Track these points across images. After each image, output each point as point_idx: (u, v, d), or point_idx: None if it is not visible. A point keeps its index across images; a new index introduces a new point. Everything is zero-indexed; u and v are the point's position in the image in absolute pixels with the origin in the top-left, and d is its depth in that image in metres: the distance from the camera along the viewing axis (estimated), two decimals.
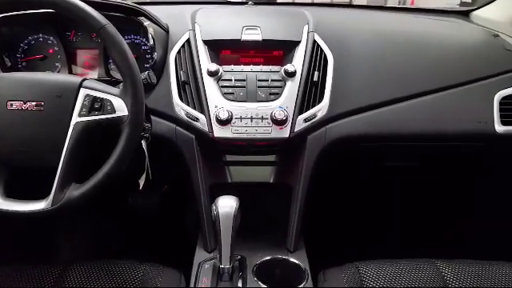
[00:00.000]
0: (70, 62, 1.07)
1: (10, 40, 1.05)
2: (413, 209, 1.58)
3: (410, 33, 1.16)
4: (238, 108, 0.93)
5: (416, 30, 1.20)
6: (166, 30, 1.03)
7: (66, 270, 0.88)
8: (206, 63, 0.97)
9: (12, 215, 0.75)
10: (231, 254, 0.83)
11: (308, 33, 1.01)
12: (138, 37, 1.06)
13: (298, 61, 0.97)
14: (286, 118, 0.92)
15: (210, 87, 0.95)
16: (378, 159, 1.32)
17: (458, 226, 1.56)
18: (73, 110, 0.75)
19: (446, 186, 1.53)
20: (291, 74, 0.95)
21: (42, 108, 0.75)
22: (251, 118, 0.93)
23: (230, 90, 0.95)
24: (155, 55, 0.98)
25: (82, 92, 0.76)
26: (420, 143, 1.07)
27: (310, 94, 0.96)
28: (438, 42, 1.13)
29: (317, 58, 0.99)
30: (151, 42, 0.98)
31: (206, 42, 0.99)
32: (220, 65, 0.97)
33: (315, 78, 0.96)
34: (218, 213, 0.82)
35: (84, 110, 0.76)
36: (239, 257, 0.96)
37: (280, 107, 0.93)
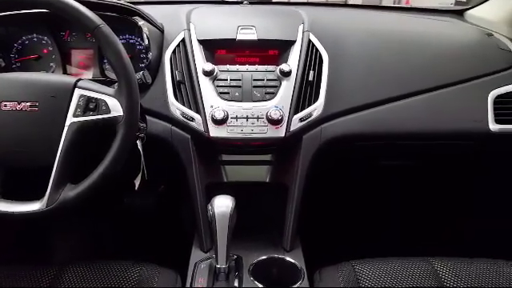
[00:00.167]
0: (65, 62, 1.07)
1: (3, 40, 1.04)
2: (409, 208, 1.59)
3: (404, 32, 1.17)
4: (234, 108, 0.93)
5: (411, 29, 1.20)
6: (161, 30, 1.03)
7: (61, 271, 0.88)
8: (201, 63, 0.97)
9: (6, 216, 0.75)
10: (227, 254, 0.84)
11: (303, 32, 1.01)
12: (133, 37, 1.06)
13: (294, 60, 0.98)
14: (282, 118, 0.92)
15: (206, 87, 0.95)
16: (373, 158, 1.33)
17: (454, 225, 1.57)
18: (67, 110, 0.75)
19: (442, 185, 1.54)
20: (286, 74, 0.95)
21: (36, 108, 0.75)
22: (247, 118, 0.93)
23: (226, 90, 0.95)
24: (150, 55, 0.98)
25: (77, 92, 0.76)
26: (415, 142, 1.08)
27: (305, 93, 0.96)
28: (432, 41, 1.14)
29: (312, 58, 0.99)
30: (146, 41, 0.98)
31: (201, 42, 0.99)
32: (215, 64, 0.97)
33: (310, 78, 0.96)
34: (214, 212, 0.82)
35: (79, 110, 0.75)
36: (235, 256, 0.96)
37: (275, 107, 0.93)
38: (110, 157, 0.75)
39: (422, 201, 1.58)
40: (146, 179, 0.92)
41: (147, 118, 0.93)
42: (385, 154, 1.25)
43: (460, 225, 1.56)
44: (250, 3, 1.29)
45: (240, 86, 0.96)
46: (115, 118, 0.75)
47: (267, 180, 1.08)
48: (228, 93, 0.95)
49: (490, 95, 1.04)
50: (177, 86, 0.96)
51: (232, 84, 0.96)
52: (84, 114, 0.75)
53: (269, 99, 0.95)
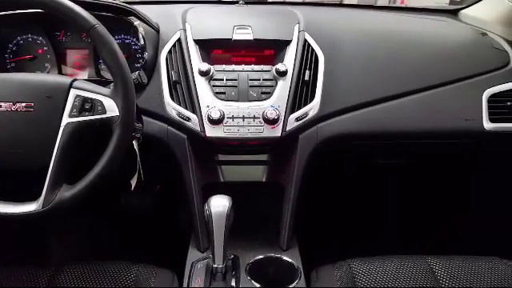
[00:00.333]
0: (60, 63, 1.06)
1: None
2: (405, 206, 1.59)
3: (400, 32, 1.17)
4: (230, 107, 0.93)
5: (406, 28, 1.21)
6: (157, 30, 1.03)
7: (58, 272, 0.88)
8: (197, 63, 0.97)
9: (2, 217, 0.75)
10: (224, 254, 0.83)
11: (299, 32, 1.01)
12: (129, 36, 1.05)
13: (289, 60, 0.98)
14: (278, 117, 0.93)
15: (202, 87, 0.95)
16: (369, 157, 1.33)
17: (449, 223, 1.58)
18: (63, 110, 0.75)
19: (438, 184, 1.55)
20: (282, 74, 0.96)
21: (31, 109, 0.74)
22: (243, 118, 0.93)
23: (222, 90, 0.95)
24: (146, 55, 0.98)
25: (73, 92, 0.76)
26: (410, 141, 1.08)
27: (301, 93, 0.96)
28: (427, 40, 1.15)
29: (308, 57, 0.99)
30: (142, 41, 0.98)
31: (197, 42, 0.99)
32: (211, 64, 0.97)
33: (306, 77, 0.97)
34: (210, 212, 0.82)
35: (74, 110, 0.75)
36: (232, 256, 0.96)
37: (272, 106, 0.94)
38: (106, 157, 0.74)
39: (418, 199, 1.58)
40: (143, 179, 0.92)
41: (143, 118, 0.93)
42: (381, 153, 1.25)
43: (456, 223, 1.57)
44: (246, 3, 1.29)
45: (236, 86, 0.96)
46: (111, 118, 0.75)
47: (264, 180, 1.08)
48: (224, 93, 0.95)
49: (484, 94, 1.05)
50: (173, 85, 0.96)
51: (228, 84, 0.96)
52: (80, 114, 0.75)
53: (265, 99, 0.95)
